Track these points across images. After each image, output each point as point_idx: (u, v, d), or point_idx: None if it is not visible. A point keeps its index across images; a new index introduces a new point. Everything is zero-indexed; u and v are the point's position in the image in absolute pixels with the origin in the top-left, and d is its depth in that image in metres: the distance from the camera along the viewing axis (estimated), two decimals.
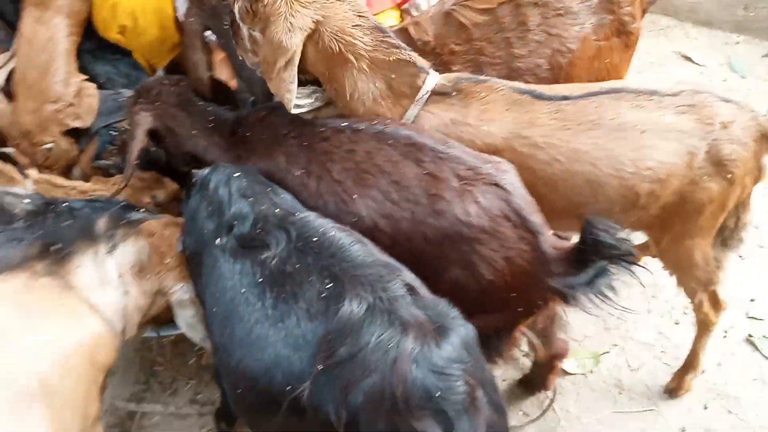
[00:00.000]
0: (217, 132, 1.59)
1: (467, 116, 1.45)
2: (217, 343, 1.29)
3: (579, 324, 1.92)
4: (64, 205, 1.56)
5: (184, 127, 1.62)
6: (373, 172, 1.35)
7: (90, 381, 1.27)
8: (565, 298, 1.27)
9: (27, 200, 1.55)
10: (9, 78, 1.97)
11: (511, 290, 1.29)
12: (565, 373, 1.91)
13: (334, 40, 1.40)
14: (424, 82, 1.45)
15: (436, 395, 0.99)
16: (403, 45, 1.46)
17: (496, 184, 1.30)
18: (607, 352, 1.98)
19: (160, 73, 2.08)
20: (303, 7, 1.39)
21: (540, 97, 1.44)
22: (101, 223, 1.46)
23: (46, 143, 1.95)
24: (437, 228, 1.28)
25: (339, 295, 1.11)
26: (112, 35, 2.01)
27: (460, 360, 1.04)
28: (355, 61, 1.43)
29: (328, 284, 1.14)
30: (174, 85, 1.68)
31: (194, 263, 1.39)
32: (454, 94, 1.47)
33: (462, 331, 1.08)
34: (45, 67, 1.93)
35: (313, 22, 1.41)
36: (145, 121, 1.61)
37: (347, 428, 1.02)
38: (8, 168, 1.76)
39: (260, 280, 1.21)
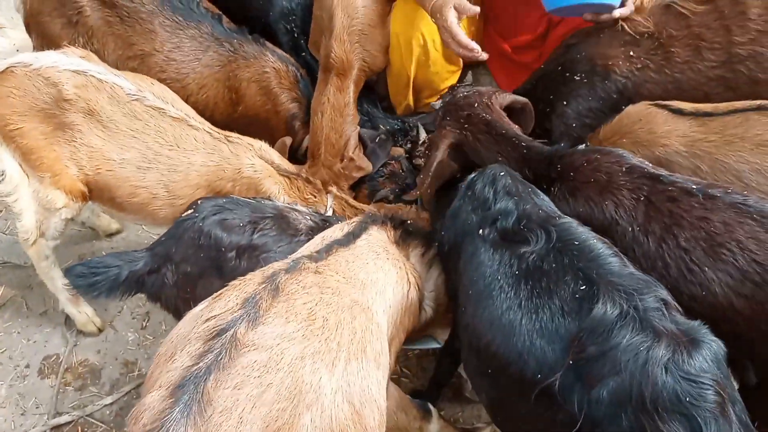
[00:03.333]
0: (529, 164, 1.71)
1: None
2: (467, 323, 1.45)
3: None
4: (337, 222, 1.83)
5: (489, 152, 1.79)
6: (731, 248, 1.36)
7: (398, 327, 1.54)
8: None
9: (308, 217, 1.85)
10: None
11: None
12: None
13: None
14: None
15: (686, 400, 1.05)
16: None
17: None
18: None
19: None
20: None
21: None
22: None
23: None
24: None
25: (593, 297, 1.20)
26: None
27: (711, 372, 1.08)
28: None
29: (582, 286, 1.23)
30: (482, 106, 1.83)
31: (451, 255, 1.58)
32: None
33: (714, 346, 1.12)
34: (341, 129, 2.28)
35: None
36: (449, 139, 1.85)
37: (587, 420, 1.13)
38: (315, 181, 2.12)
39: (516, 272, 1.34)
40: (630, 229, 1.47)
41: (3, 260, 2.58)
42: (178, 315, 1.79)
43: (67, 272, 1.64)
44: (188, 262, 1.69)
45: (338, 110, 2.29)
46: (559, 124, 2.00)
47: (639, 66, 1.86)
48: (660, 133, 1.67)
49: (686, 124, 1.66)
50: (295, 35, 2.54)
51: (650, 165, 1.56)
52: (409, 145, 2.48)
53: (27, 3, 2.22)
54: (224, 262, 1.69)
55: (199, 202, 1.76)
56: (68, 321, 2.41)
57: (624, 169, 1.55)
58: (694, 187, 1.45)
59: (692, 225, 1.40)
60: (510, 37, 2.50)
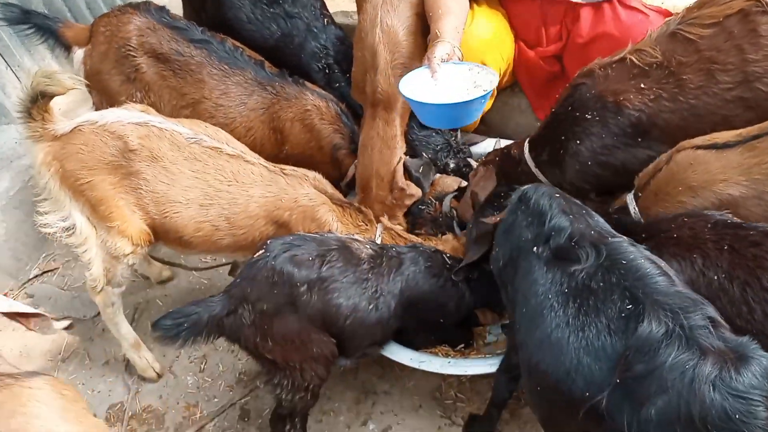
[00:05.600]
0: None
1: None
2: (522, 341, 1.52)
3: None
4: (393, 249, 2.04)
5: None
6: None
7: None
8: None
9: (368, 246, 2.01)
10: None
11: None
12: None
13: None
14: None
15: (736, 417, 1.10)
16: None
17: None
18: None
19: None
20: None
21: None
22: None
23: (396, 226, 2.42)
24: None
25: (639, 315, 1.25)
26: None
27: (761, 388, 1.11)
28: None
29: (628, 305, 1.28)
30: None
31: (507, 270, 1.66)
32: None
33: (764, 361, 1.15)
34: (390, 161, 2.42)
35: None
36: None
37: None
38: (366, 210, 2.26)
39: (566, 290, 1.40)
40: (716, 277, 1.51)
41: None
42: (258, 355, 1.90)
43: (155, 326, 1.77)
44: (264, 301, 1.82)
45: (386, 143, 2.43)
46: (574, 163, 2.07)
47: (652, 97, 1.88)
48: (715, 171, 1.70)
49: (737, 154, 1.68)
50: (327, 71, 2.74)
51: (732, 216, 1.63)
52: (452, 165, 2.63)
53: (87, 63, 2.46)
54: (297, 297, 1.82)
55: (268, 242, 1.91)
56: (128, 369, 2.55)
57: (709, 224, 1.61)
58: None
59: None
60: (536, 45, 2.64)
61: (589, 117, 1.97)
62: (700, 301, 1.27)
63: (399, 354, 2.10)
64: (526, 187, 1.72)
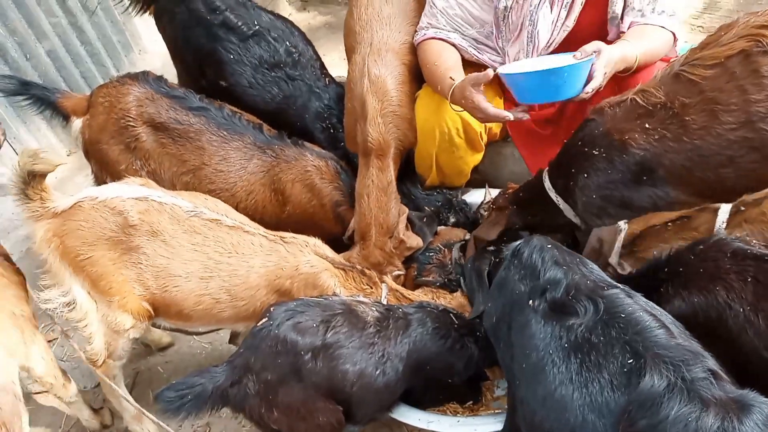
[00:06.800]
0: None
1: None
2: (523, 398, 1.51)
3: None
4: (400, 310, 2.02)
5: None
6: None
7: None
8: None
9: (374, 308, 2.00)
10: None
11: None
12: None
13: None
14: None
15: None
16: None
17: None
18: None
19: None
20: None
21: None
22: None
23: (395, 272, 2.46)
24: None
25: (640, 370, 1.26)
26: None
27: None
28: None
29: (629, 359, 1.30)
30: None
31: (500, 326, 1.66)
32: None
33: (765, 408, 1.15)
34: (387, 208, 2.46)
35: None
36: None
37: None
38: (370, 272, 2.26)
39: (566, 344, 1.40)
40: (741, 310, 1.53)
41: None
42: (264, 425, 1.91)
43: (157, 398, 1.76)
44: (268, 370, 1.81)
45: (382, 190, 2.47)
46: (581, 196, 2.12)
47: (656, 137, 1.89)
48: None
49: None
50: (331, 131, 2.80)
51: (753, 245, 1.64)
52: (453, 221, 2.68)
53: (86, 133, 2.51)
54: (302, 365, 1.81)
55: (271, 309, 1.91)
56: None
57: (728, 254, 1.63)
58: None
59: None
60: (530, 110, 2.68)
61: (596, 153, 2.00)
62: (701, 353, 1.28)
63: (407, 415, 2.08)
64: (518, 242, 1.75)
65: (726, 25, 1.86)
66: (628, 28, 2.31)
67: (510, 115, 2.22)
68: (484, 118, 2.28)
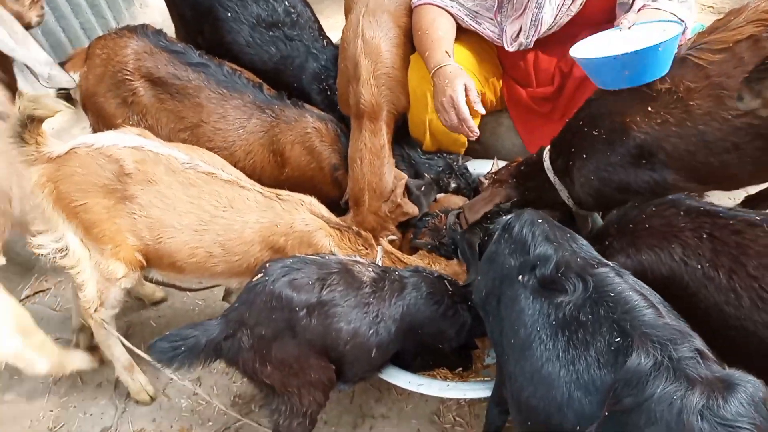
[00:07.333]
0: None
1: None
2: (511, 373, 1.52)
3: None
4: (396, 273, 2.02)
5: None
6: None
7: None
8: None
9: (370, 269, 2.00)
10: None
11: None
12: None
13: None
14: None
15: None
16: None
17: None
18: None
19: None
20: None
21: None
22: None
23: (390, 236, 2.46)
24: None
25: (627, 348, 1.27)
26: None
27: (748, 415, 1.12)
28: None
29: (617, 338, 1.31)
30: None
31: (489, 300, 1.67)
32: None
33: (749, 387, 1.16)
34: (380, 172, 2.43)
35: None
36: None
37: None
38: (366, 234, 2.26)
39: (554, 321, 1.41)
40: (699, 266, 1.56)
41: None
42: (256, 379, 1.90)
43: (150, 348, 1.77)
44: (262, 325, 1.81)
45: (375, 153, 2.44)
46: (579, 176, 2.11)
47: (659, 121, 1.87)
48: None
49: None
50: (328, 93, 2.76)
51: (706, 202, 1.68)
52: (454, 186, 2.64)
53: (83, 85, 2.48)
54: (296, 322, 1.81)
55: (267, 265, 1.90)
56: (119, 391, 2.53)
57: (681, 211, 1.66)
58: (758, 218, 1.56)
59: (759, 253, 1.49)
60: (527, 86, 2.67)
61: (596, 133, 1.99)
62: (688, 333, 1.29)
63: (397, 377, 2.10)
64: (509, 216, 1.74)
65: (735, 9, 1.83)
66: (639, 10, 2.25)
67: (475, 130, 2.19)
68: (448, 119, 2.22)
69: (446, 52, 2.31)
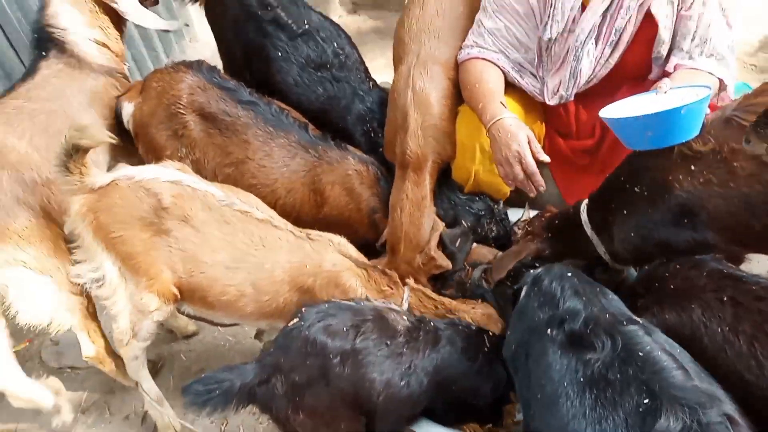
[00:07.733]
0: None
1: None
2: (536, 429, 1.48)
3: None
4: (431, 324, 1.96)
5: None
6: None
7: None
8: None
9: (405, 317, 1.94)
10: None
11: None
12: None
13: None
14: None
15: None
16: None
17: None
18: None
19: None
20: None
21: None
22: None
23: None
24: None
25: (656, 411, 1.23)
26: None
27: None
28: None
29: (645, 399, 1.27)
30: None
31: (519, 354, 1.63)
32: None
33: None
34: (419, 223, 2.41)
35: None
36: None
37: None
38: (391, 273, 2.23)
39: (582, 378, 1.38)
40: (719, 330, 1.52)
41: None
42: (288, 427, 1.84)
43: (185, 390, 1.74)
44: (296, 371, 1.78)
45: (416, 204, 2.42)
46: (619, 232, 2.07)
47: (702, 181, 1.82)
48: None
49: None
50: (372, 135, 2.78)
51: (729, 265, 1.65)
52: (494, 232, 2.60)
53: (136, 116, 2.54)
54: (330, 369, 1.78)
55: (303, 310, 1.88)
56: (146, 424, 2.51)
57: (704, 272, 1.65)
58: None
59: None
60: (568, 137, 2.65)
61: (637, 190, 1.95)
62: (717, 397, 1.27)
63: (427, 429, 2.00)
64: (539, 269, 1.73)
65: None
66: (674, 69, 2.23)
67: (541, 184, 2.15)
68: (513, 173, 2.17)
69: (501, 103, 2.29)
